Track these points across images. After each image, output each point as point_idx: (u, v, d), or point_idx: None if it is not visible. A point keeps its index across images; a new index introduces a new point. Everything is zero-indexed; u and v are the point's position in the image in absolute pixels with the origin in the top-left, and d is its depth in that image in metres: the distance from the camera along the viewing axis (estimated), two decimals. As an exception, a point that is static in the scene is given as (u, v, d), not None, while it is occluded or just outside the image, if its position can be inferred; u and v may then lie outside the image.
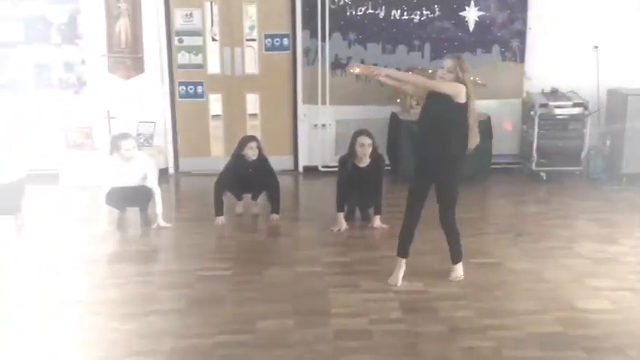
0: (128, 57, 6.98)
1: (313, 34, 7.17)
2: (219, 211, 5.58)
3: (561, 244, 5.01)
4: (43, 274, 4.43)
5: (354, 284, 4.25)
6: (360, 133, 5.48)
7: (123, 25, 6.92)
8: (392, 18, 7.15)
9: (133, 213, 5.50)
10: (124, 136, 5.46)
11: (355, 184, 5.43)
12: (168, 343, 3.40)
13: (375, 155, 5.46)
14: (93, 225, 5.34)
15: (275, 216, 5.66)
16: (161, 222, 5.42)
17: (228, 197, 5.75)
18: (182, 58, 7.27)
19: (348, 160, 5.46)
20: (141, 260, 4.79)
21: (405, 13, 7.16)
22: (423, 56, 7.22)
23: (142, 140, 6.86)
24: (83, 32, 7.01)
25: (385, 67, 6.06)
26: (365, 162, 5.45)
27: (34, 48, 6.99)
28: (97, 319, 3.70)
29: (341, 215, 5.45)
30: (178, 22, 7.17)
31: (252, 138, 5.75)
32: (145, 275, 4.48)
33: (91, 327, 3.60)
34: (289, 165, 7.50)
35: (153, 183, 5.46)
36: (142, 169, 5.44)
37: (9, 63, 7.01)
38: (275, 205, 5.69)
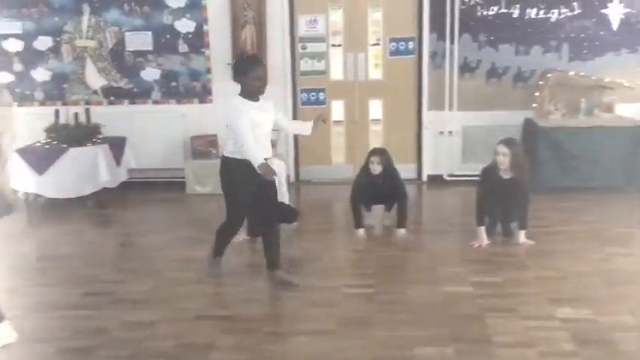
0: (253, 65, 6.91)
1: (440, 37, 6.85)
2: (358, 224, 5.40)
3: None
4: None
5: (511, 308, 3.91)
6: (500, 141, 5.14)
7: (249, 32, 6.89)
8: (527, 17, 6.71)
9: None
10: None
11: (496, 197, 5.10)
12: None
13: (518, 166, 5.08)
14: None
15: (401, 231, 5.39)
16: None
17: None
18: (305, 64, 7.16)
19: (492, 171, 5.11)
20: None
21: (542, 12, 6.70)
22: (560, 57, 6.75)
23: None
24: (209, 41, 7.05)
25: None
26: (507, 173, 5.09)
27: (162, 58, 7.10)
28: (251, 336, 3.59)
29: (482, 229, 5.12)
30: (302, 28, 7.07)
31: (375, 152, 5.51)
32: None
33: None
34: (412, 174, 7.21)
35: (283, 189, 5.39)
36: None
37: (139, 72, 7.16)
38: (401, 220, 5.42)
